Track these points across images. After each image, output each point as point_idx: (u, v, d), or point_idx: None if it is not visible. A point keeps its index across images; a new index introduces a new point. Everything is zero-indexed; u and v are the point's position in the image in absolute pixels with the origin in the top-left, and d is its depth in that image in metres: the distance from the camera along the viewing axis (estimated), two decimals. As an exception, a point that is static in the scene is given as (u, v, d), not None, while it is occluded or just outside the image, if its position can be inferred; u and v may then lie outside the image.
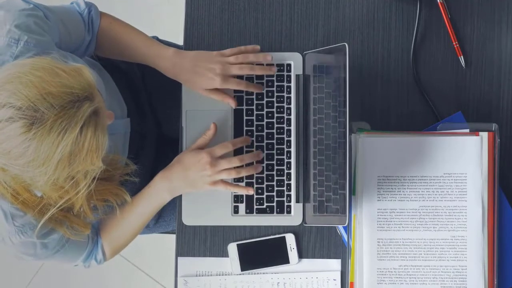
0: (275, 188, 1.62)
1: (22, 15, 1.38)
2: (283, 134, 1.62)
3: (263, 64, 1.60)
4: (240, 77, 1.60)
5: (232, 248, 1.62)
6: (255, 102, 1.63)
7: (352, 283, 1.58)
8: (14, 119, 1.18)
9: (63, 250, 1.49)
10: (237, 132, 1.63)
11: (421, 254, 1.56)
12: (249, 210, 1.62)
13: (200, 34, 1.67)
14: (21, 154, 1.20)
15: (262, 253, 1.61)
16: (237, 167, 1.56)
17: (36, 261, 1.48)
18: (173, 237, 1.66)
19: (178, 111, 1.65)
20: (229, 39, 1.67)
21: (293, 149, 1.62)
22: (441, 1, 1.63)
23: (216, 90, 1.58)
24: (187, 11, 1.68)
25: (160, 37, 1.84)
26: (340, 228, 1.61)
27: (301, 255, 1.62)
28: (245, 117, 1.63)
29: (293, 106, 1.63)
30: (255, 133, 1.62)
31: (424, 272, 1.56)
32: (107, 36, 1.59)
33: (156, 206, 1.58)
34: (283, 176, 1.62)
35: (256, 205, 1.62)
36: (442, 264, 1.56)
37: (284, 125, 1.63)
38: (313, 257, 1.62)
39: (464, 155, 1.56)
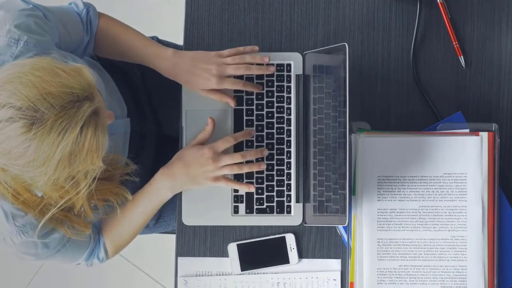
0: (275, 188, 1.62)
1: (22, 15, 1.38)
2: (283, 134, 1.62)
3: (262, 65, 1.60)
4: (240, 77, 1.60)
5: (232, 248, 1.62)
6: (255, 102, 1.63)
7: (352, 283, 1.58)
8: (14, 119, 1.18)
9: (64, 249, 1.49)
10: (237, 132, 1.63)
11: (421, 254, 1.56)
12: (249, 210, 1.62)
13: (200, 34, 1.68)
14: (21, 154, 1.20)
15: (262, 253, 1.61)
16: (239, 163, 1.56)
17: (37, 261, 1.48)
18: (173, 237, 1.66)
19: (178, 111, 1.65)
20: (229, 39, 1.67)
21: (293, 149, 1.62)
22: (441, 1, 1.64)
23: (215, 90, 1.58)
24: (187, 11, 1.68)
25: (160, 37, 1.84)
26: (340, 228, 1.61)
27: (301, 255, 1.62)
28: (245, 117, 1.63)
29: (293, 106, 1.63)
30: (255, 133, 1.62)
31: (424, 272, 1.56)
32: (106, 36, 1.60)
33: (157, 203, 1.58)
34: (283, 176, 1.62)
35: (256, 205, 1.62)
36: (442, 264, 1.56)
37: (284, 125, 1.63)
38: (313, 257, 1.62)
39: (464, 155, 1.56)
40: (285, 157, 1.62)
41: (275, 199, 1.62)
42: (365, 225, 1.57)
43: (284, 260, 1.61)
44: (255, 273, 1.61)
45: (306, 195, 1.61)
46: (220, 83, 1.56)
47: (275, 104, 1.63)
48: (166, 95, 1.80)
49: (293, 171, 1.62)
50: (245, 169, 1.56)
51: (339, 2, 1.66)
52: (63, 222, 1.44)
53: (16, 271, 2.65)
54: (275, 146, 1.62)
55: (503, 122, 1.62)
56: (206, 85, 1.56)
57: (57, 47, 1.45)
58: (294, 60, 1.64)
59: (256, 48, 1.60)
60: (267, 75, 1.62)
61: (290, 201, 1.62)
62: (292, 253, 1.61)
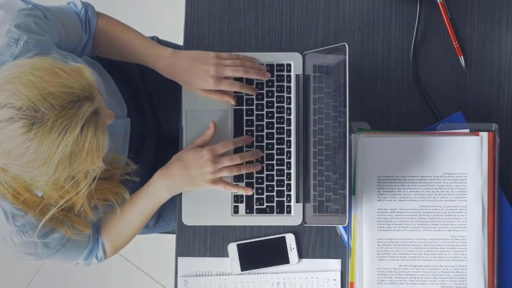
0: (275, 188, 1.62)
1: (21, 15, 1.38)
2: (283, 134, 1.63)
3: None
4: (239, 79, 1.61)
5: (232, 248, 1.62)
6: (255, 102, 1.63)
7: (352, 283, 1.58)
8: (14, 119, 1.18)
9: (64, 249, 1.49)
10: (237, 132, 1.63)
11: (421, 254, 1.56)
12: (249, 210, 1.62)
13: (200, 34, 1.67)
14: (22, 154, 1.20)
15: (262, 253, 1.61)
16: (237, 164, 1.56)
17: (37, 260, 1.48)
18: (173, 237, 1.66)
19: (178, 111, 1.65)
20: (229, 39, 1.67)
21: (293, 149, 1.62)
22: (441, 1, 1.64)
23: (214, 90, 1.59)
24: (187, 11, 1.68)
25: (160, 37, 1.84)
26: (340, 228, 1.61)
27: (301, 255, 1.62)
28: (245, 117, 1.63)
29: (293, 106, 1.63)
30: (255, 133, 1.62)
31: (424, 272, 1.56)
32: (104, 36, 1.59)
33: (155, 204, 1.58)
34: (283, 176, 1.62)
35: (256, 205, 1.62)
36: (442, 264, 1.56)
37: (284, 125, 1.63)
38: (313, 257, 1.62)
39: (464, 155, 1.56)
40: (285, 157, 1.62)
41: (275, 199, 1.62)
42: (365, 225, 1.57)
43: (284, 260, 1.61)
44: (255, 273, 1.61)
45: (306, 195, 1.61)
46: (218, 84, 1.56)
47: (275, 104, 1.63)
48: (166, 95, 1.80)
49: (293, 171, 1.62)
50: (243, 170, 1.57)
51: (339, 2, 1.66)
52: (63, 222, 1.44)
53: (16, 271, 2.64)
54: (275, 146, 1.62)
55: (503, 122, 1.62)
56: (204, 85, 1.57)
57: (57, 47, 1.45)
58: (294, 60, 1.64)
59: (256, 60, 1.62)
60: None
61: (290, 201, 1.62)
62: (292, 253, 1.61)
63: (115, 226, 1.58)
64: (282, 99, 1.63)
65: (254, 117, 1.63)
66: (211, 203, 1.62)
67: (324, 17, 1.66)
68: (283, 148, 1.62)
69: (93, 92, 1.25)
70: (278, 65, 1.63)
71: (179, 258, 1.64)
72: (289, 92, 1.63)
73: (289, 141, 1.62)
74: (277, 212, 1.62)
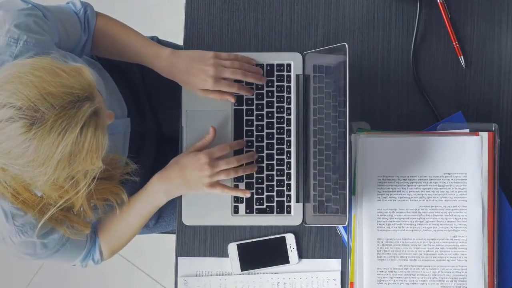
0: (275, 188, 1.62)
1: (21, 14, 1.38)
2: (283, 134, 1.62)
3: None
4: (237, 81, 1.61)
5: (232, 248, 1.62)
6: (255, 102, 1.63)
7: (352, 283, 1.58)
8: (14, 119, 1.18)
9: (63, 249, 1.49)
10: (237, 132, 1.63)
11: (421, 254, 1.56)
12: (249, 210, 1.62)
13: (200, 34, 1.67)
14: (21, 154, 1.20)
15: (262, 253, 1.61)
16: (234, 167, 1.56)
17: (35, 260, 1.48)
18: (173, 237, 1.66)
19: (178, 111, 1.65)
20: (229, 39, 1.67)
21: (293, 149, 1.62)
22: (441, 1, 1.63)
23: (212, 90, 1.59)
24: (187, 11, 1.68)
25: (160, 37, 1.84)
26: (340, 228, 1.61)
27: (301, 255, 1.62)
28: (245, 117, 1.63)
29: (293, 106, 1.63)
30: (255, 133, 1.62)
31: (424, 272, 1.56)
32: (103, 36, 1.59)
33: (152, 207, 1.58)
34: (283, 176, 1.62)
35: (256, 205, 1.62)
36: (442, 264, 1.56)
37: (284, 125, 1.63)
38: (313, 257, 1.62)
39: (464, 155, 1.56)
40: (285, 157, 1.62)
41: (275, 199, 1.62)
42: (365, 225, 1.57)
43: (284, 260, 1.61)
44: (255, 273, 1.61)
45: (306, 195, 1.61)
46: (217, 85, 1.56)
47: (275, 104, 1.63)
48: (166, 95, 1.80)
49: (293, 171, 1.62)
50: (240, 173, 1.57)
51: (339, 2, 1.66)
52: (63, 221, 1.44)
53: (16, 271, 2.64)
54: (275, 146, 1.62)
55: (503, 122, 1.62)
56: (203, 85, 1.57)
57: (57, 47, 1.45)
58: (294, 60, 1.64)
59: (254, 61, 1.61)
60: (267, 76, 1.63)
61: (290, 201, 1.62)
62: (292, 253, 1.61)
63: (112, 228, 1.58)
64: (282, 99, 1.63)
65: (254, 117, 1.63)
66: (211, 203, 1.62)
67: (324, 17, 1.66)
68: (283, 148, 1.62)
69: (93, 92, 1.25)
70: (278, 65, 1.63)
71: (179, 258, 1.63)
72: (289, 92, 1.63)
73: (289, 141, 1.62)
74: (277, 212, 1.62)
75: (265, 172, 1.62)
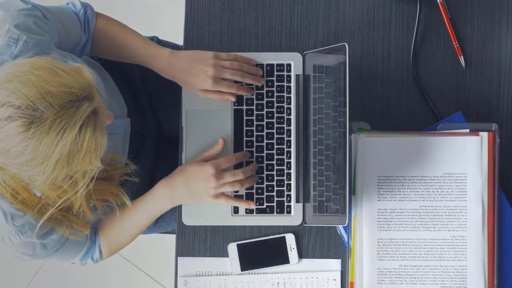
0: (275, 188, 1.62)
1: (21, 15, 1.38)
2: (283, 134, 1.62)
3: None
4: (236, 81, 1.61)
5: (232, 248, 1.62)
6: (255, 102, 1.63)
7: (352, 283, 1.58)
8: (13, 118, 1.18)
9: (63, 249, 1.49)
10: (237, 132, 1.63)
11: (421, 254, 1.56)
12: (249, 210, 1.62)
13: (200, 34, 1.67)
14: (20, 153, 1.20)
15: (262, 253, 1.61)
16: (239, 179, 1.56)
17: (34, 260, 1.48)
18: (173, 237, 1.66)
19: (178, 111, 1.65)
20: (229, 39, 1.67)
21: (293, 149, 1.62)
22: (441, 1, 1.63)
23: (212, 90, 1.59)
24: (187, 11, 1.68)
25: (160, 37, 1.84)
26: (340, 228, 1.60)
27: (301, 255, 1.62)
28: (245, 117, 1.63)
29: (293, 106, 1.63)
30: (255, 133, 1.62)
31: (424, 272, 1.56)
32: (103, 36, 1.59)
33: (155, 212, 1.57)
34: (283, 176, 1.62)
35: (256, 205, 1.62)
36: (442, 264, 1.56)
37: (284, 125, 1.63)
38: (313, 257, 1.62)
39: (464, 155, 1.56)
40: (285, 157, 1.62)
41: (275, 199, 1.62)
42: (365, 225, 1.57)
43: (284, 260, 1.61)
44: (255, 273, 1.61)
45: (306, 195, 1.61)
46: (216, 85, 1.57)
47: (275, 104, 1.63)
48: (166, 95, 1.80)
49: (293, 171, 1.62)
50: (245, 185, 1.57)
51: (339, 2, 1.66)
52: (62, 222, 1.44)
53: (16, 271, 2.64)
54: (275, 146, 1.62)
55: (503, 122, 1.62)
56: (202, 85, 1.57)
57: (56, 47, 1.45)
58: (294, 60, 1.63)
59: (253, 62, 1.61)
60: (267, 76, 1.63)
61: (290, 201, 1.62)
62: (292, 253, 1.61)
63: (113, 229, 1.58)
64: (282, 99, 1.63)
65: (254, 117, 1.63)
66: (211, 203, 1.61)
67: (324, 17, 1.66)
68: (283, 148, 1.62)
69: (92, 92, 1.25)
70: (278, 65, 1.63)
71: (179, 258, 1.63)
72: (289, 92, 1.63)
73: (289, 141, 1.62)
74: (277, 212, 1.62)
75: (265, 172, 1.62)
